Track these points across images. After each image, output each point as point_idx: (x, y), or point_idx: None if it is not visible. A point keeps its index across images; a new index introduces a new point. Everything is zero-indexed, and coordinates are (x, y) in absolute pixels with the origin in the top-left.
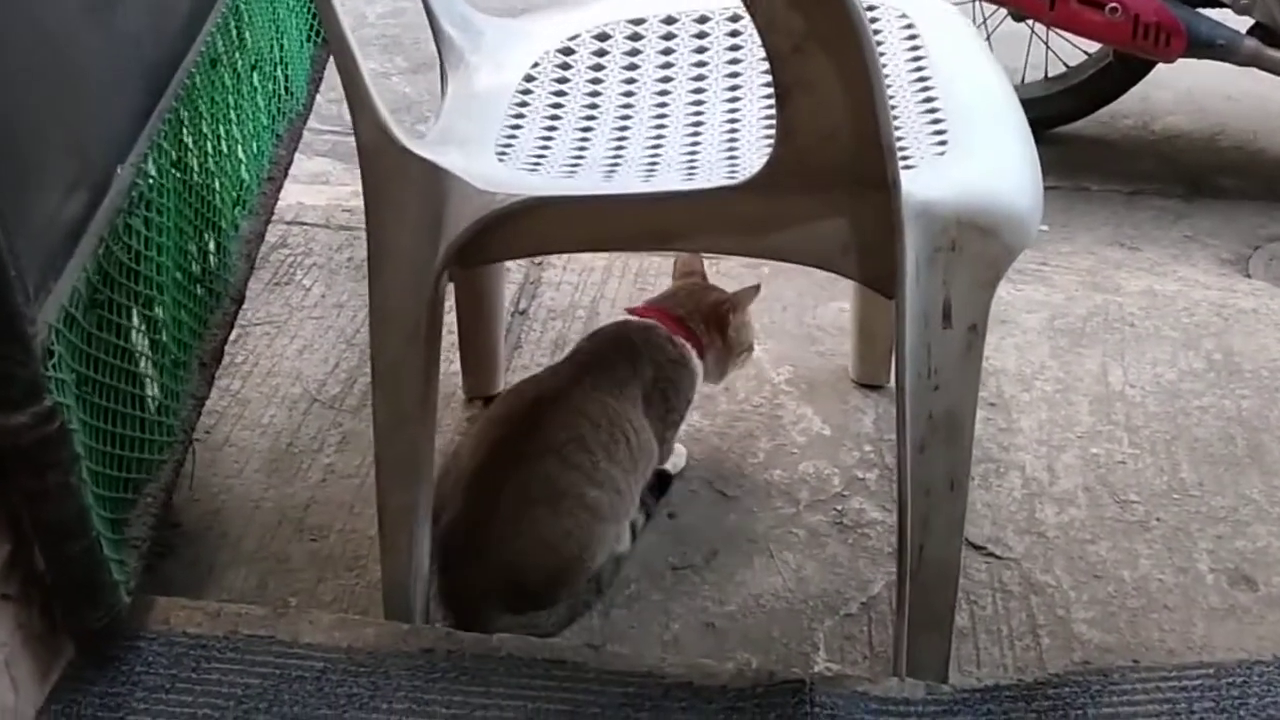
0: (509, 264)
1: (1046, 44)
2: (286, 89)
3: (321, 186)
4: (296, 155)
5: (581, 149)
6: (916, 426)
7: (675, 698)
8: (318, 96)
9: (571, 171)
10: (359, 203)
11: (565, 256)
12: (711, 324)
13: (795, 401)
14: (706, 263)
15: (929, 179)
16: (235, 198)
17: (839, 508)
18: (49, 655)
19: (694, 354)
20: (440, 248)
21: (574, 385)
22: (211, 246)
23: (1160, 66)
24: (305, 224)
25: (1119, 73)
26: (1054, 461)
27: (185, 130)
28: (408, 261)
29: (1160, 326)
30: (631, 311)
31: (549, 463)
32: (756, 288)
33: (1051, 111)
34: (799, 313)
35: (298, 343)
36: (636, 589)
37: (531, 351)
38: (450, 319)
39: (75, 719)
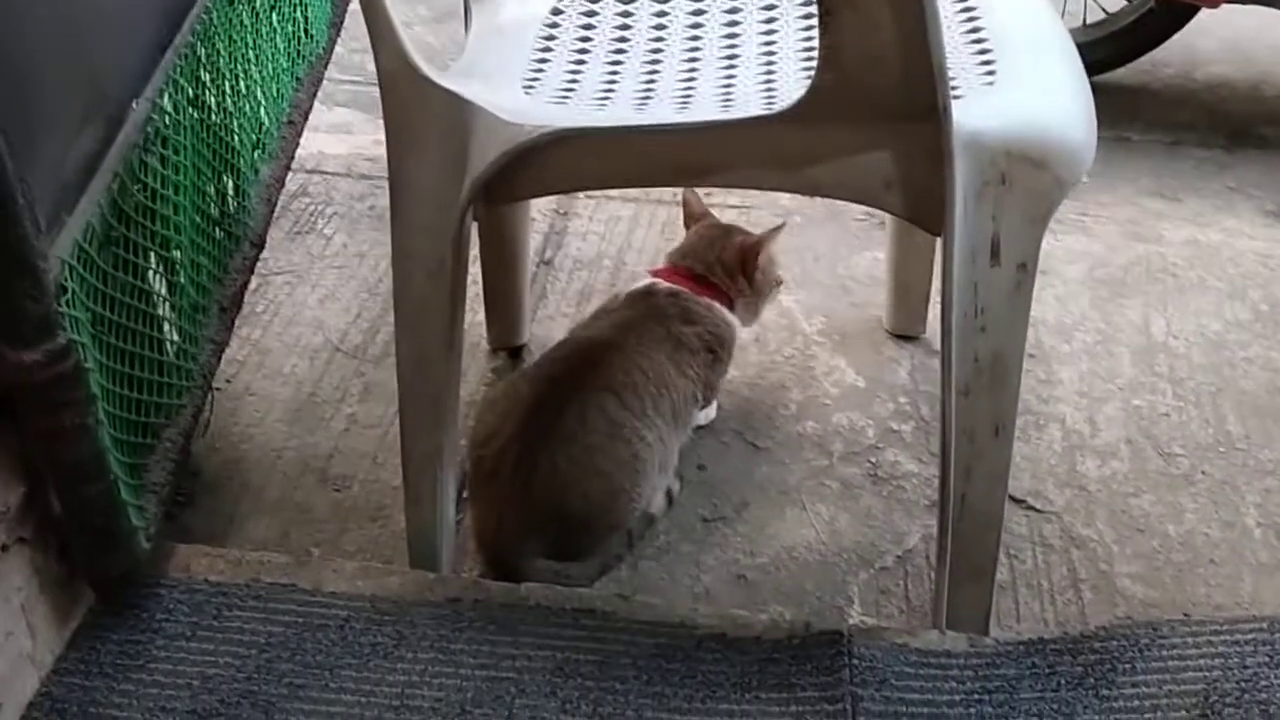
0: (534, 213)
1: None
2: (306, 31)
3: (343, 136)
4: (317, 105)
5: (611, 81)
6: (961, 369)
7: (708, 649)
8: (339, 46)
9: (601, 104)
10: (381, 152)
11: (591, 205)
12: (736, 272)
13: (828, 353)
14: (735, 214)
15: (977, 109)
16: (254, 140)
17: (873, 460)
18: (68, 601)
19: (724, 310)
20: (465, 183)
21: (623, 339)
22: (230, 189)
23: (1203, 13)
24: (326, 173)
25: (1160, 19)
26: (1095, 414)
27: (202, 67)
28: (431, 197)
29: (1204, 277)
30: (653, 274)
31: (607, 399)
32: (779, 228)
33: (1091, 59)
34: (831, 263)
35: (319, 292)
36: (666, 541)
37: (557, 302)
38: (474, 269)
39: (95, 666)
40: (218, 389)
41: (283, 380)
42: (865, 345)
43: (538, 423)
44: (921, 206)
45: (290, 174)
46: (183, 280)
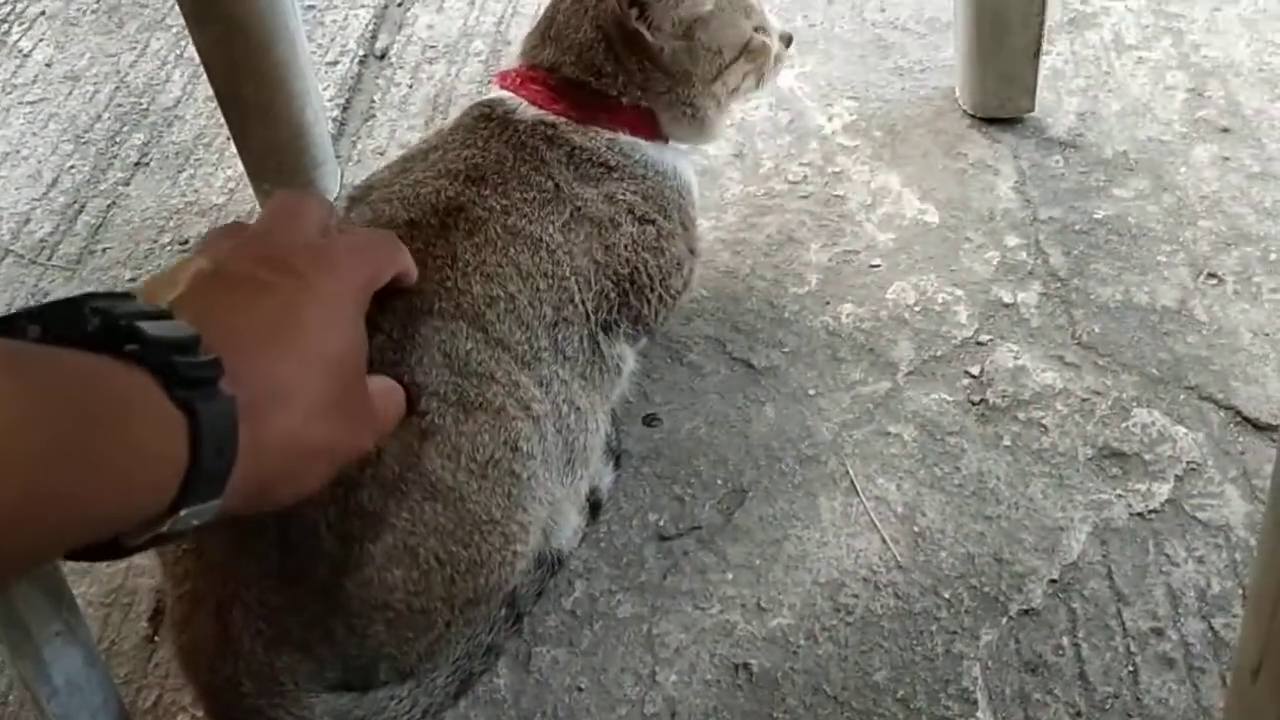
0: None
1: None
2: None
3: None
4: None
5: None
6: None
7: None
8: None
9: None
10: None
11: None
12: (630, 52)
13: (865, 164)
14: None
15: None
16: None
17: (974, 370)
18: None
19: (643, 141)
20: None
21: (474, 200)
22: None
23: None
24: None
25: None
26: None
27: None
28: None
29: None
30: (501, 81)
31: (450, 332)
32: None
33: None
34: (858, 1)
35: None
36: (588, 595)
37: (391, 124)
38: (202, 88)
39: None
40: None
41: None
42: (931, 144)
43: None
44: None
45: None
46: None
